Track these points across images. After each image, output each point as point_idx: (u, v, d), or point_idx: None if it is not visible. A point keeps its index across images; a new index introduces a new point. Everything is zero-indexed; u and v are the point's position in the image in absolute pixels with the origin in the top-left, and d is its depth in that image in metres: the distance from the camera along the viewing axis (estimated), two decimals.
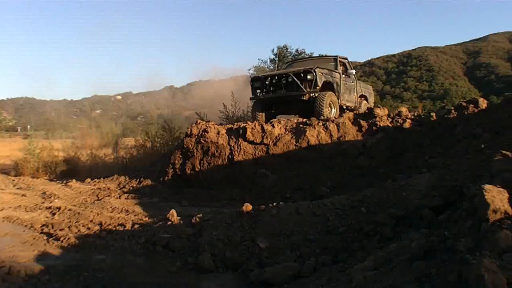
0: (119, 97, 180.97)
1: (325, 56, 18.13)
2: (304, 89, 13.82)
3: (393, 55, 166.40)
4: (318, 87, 13.85)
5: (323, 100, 13.64)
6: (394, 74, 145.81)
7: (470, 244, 3.58)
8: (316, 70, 13.92)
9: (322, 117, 13.33)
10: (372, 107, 17.39)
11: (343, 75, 16.34)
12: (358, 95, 17.81)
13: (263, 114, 15.18)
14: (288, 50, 32.55)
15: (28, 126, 68.58)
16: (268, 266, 5.59)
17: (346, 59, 17.57)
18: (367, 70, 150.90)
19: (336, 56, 16.97)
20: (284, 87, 14.41)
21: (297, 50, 32.24)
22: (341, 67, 16.71)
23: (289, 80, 14.12)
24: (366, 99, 18.90)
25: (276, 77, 14.65)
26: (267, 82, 14.83)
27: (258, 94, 14.98)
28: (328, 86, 14.85)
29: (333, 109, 14.42)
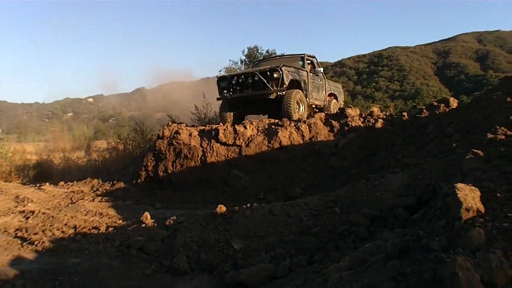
0: (90, 99, 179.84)
1: (293, 54, 17.88)
2: (271, 88, 13.68)
3: (364, 55, 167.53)
4: (285, 86, 13.76)
5: (290, 98, 13.62)
6: (365, 74, 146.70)
7: (444, 243, 3.61)
8: (283, 68, 13.82)
9: (290, 116, 13.36)
10: (342, 105, 17.59)
11: (311, 74, 16.35)
12: (327, 94, 17.80)
13: (231, 114, 15.05)
14: (259, 51, 32.47)
15: (0, 130, 67.87)
16: (243, 268, 5.59)
17: (314, 57, 17.58)
18: (338, 70, 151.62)
19: (303, 54, 16.96)
20: (250, 86, 14.32)
21: (267, 51, 32.16)
22: (309, 66, 16.73)
23: (256, 79, 13.99)
24: (336, 98, 18.90)
25: (243, 77, 14.54)
26: (233, 82, 14.74)
27: (225, 94, 14.86)
28: (296, 84, 14.80)
29: (301, 107, 14.48)
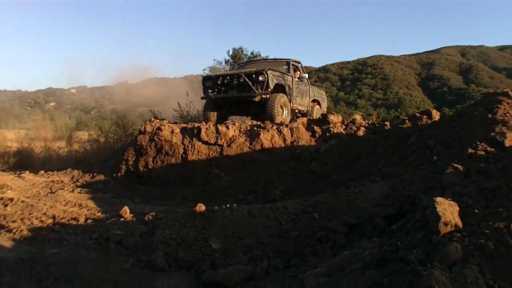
0: (73, 90, 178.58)
1: (278, 59, 17.92)
2: (256, 91, 13.81)
3: (348, 62, 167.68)
4: (269, 89, 13.87)
5: (274, 102, 13.71)
6: (349, 81, 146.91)
7: (421, 256, 3.67)
8: (268, 71, 13.91)
9: (273, 119, 13.44)
10: (325, 112, 17.59)
11: (296, 79, 16.43)
12: (311, 100, 17.85)
13: (215, 113, 15.10)
14: (244, 52, 32.47)
15: None
16: (221, 268, 5.60)
17: (299, 62, 17.69)
18: (321, 76, 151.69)
19: (289, 59, 17.01)
20: (235, 87, 14.38)
21: (252, 53, 32.16)
22: (294, 71, 16.83)
23: (241, 80, 14.07)
24: (319, 104, 18.98)
25: (228, 77, 14.58)
26: (218, 82, 14.73)
27: (210, 93, 14.90)
28: (280, 88, 14.85)
29: (284, 111, 14.55)
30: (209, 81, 14.91)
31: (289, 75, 15.91)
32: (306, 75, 17.38)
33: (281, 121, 13.63)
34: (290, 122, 13.39)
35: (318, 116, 16.07)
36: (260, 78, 13.79)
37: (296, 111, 16.35)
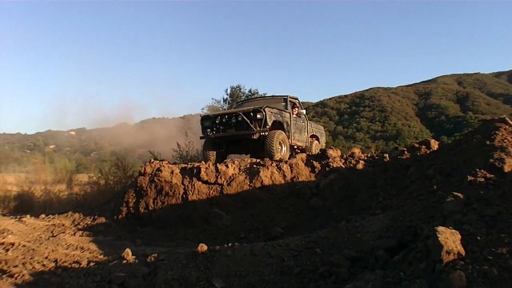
0: (72, 132, 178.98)
1: (276, 96, 18.01)
2: (254, 128, 13.79)
3: (346, 96, 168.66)
4: (267, 126, 13.84)
5: (273, 139, 13.67)
6: (347, 114, 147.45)
7: (425, 285, 3.65)
8: (266, 109, 13.97)
9: (272, 156, 13.44)
10: (324, 147, 17.68)
11: (293, 115, 16.44)
12: (309, 135, 17.87)
13: (214, 153, 15.11)
14: (242, 90, 32.61)
15: None
16: None
17: (297, 99, 17.72)
18: (319, 110, 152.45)
19: (286, 96, 17.01)
20: (234, 126, 14.41)
21: (250, 90, 32.31)
22: (292, 107, 16.90)
23: (239, 119, 14.09)
24: (318, 139, 18.97)
25: (226, 116, 14.62)
26: (217, 121, 14.77)
27: (208, 133, 14.95)
28: (278, 125, 14.88)
29: (283, 148, 14.52)
30: (208, 121, 15.01)
31: (287, 112, 15.90)
32: (304, 111, 17.29)
33: (280, 158, 13.60)
34: (289, 159, 13.39)
35: (317, 151, 16.11)
36: (258, 116, 13.83)
37: (295, 147, 16.38)
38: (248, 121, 13.88)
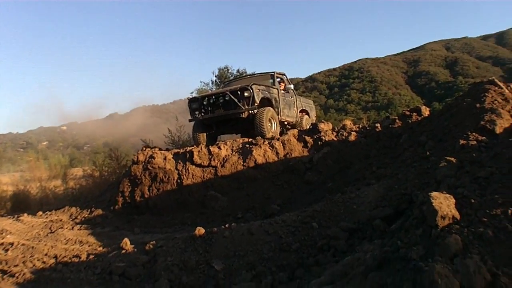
0: (64, 127, 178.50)
1: (263, 73, 17.72)
2: (242, 107, 13.64)
3: (334, 69, 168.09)
4: (256, 104, 13.69)
5: (263, 116, 13.59)
6: (337, 87, 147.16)
7: (422, 251, 3.65)
8: (253, 86, 13.79)
9: (263, 134, 13.36)
10: (314, 121, 17.54)
11: (282, 91, 16.35)
12: (299, 110, 17.73)
13: (204, 134, 14.88)
14: (230, 71, 32.36)
15: None
16: None
17: (284, 74, 17.63)
18: (309, 85, 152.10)
19: (273, 72, 16.89)
20: (222, 106, 14.18)
21: (238, 71, 31.93)
22: (279, 83, 16.83)
23: (227, 98, 13.90)
24: (308, 114, 18.84)
25: (214, 97, 14.40)
26: (204, 103, 14.52)
27: (197, 115, 14.76)
28: (267, 102, 14.77)
29: (273, 124, 14.41)
30: (195, 103, 14.81)
31: (274, 88, 15.80)
32: (292, 86, 17.24)
33: (271, 135, 13.58)
34: (281, 135, 13.36)
35: (308, 126, 16.05)
36: (246, 94, 13.69)
37: (285, 123, 16.29)
38: (236, 100, 13.73)
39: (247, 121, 13.96)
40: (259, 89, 14.22)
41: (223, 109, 14.16)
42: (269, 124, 13.95)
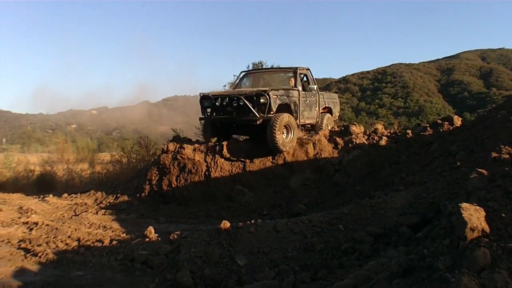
0: (94, 111, 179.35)
1: (285, 68, 16.32)
2: (257, 114, 12.34)
3: (368, 72, 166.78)
4: (272, 112, 12.44)
5: (276, 124, 12.09)
6: (369, 90, 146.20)
7: (449, 262, 3.62)
8: (270, 93, 12.39)
9: (275, 146, 12.20)
10: (337, 117, 16.87)
11: (303, 92, 14.48)
12: (322, 107, 16.13)
13: (213, 135, 14.19)
14: (263, 66, 32.07)
15: (4, 140, 67.71)
16: (247, 284, 5.60)
17: (308, 70, 15.53)
18: (342, 86, 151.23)
19: (296, 68, 14.84)
20: (235, 109, 12.88)
21: (272, 67, 31.72)
22: (302, 81, 15.12)
23: (241, 103, 12.56)
24: (331, 111, 17.13)
25: (227, 99, 13.03)
26: (217, 104, 13.20)
27: (208, 113, 13.65)
28: (285, 107, 13.32)
29: (289, 133, 12.89)
30: (207, 101, 13.66)
31: (295, 90, 14.04)
32: (315, 87, 15.31)
33: (287, 148, 12.53)
34: (304, 136, 13.22)
35: (329, 126, 15.71)
36: (262, 101, 12.38)
37: (306, 125, 15.14)
38: (250, 106, 12.40)
39: (262, 127, 12.67)
40: (276, 96, 12.90)
41: (236, 113, 12.98)
42: (284, 133, 12.77)
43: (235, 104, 12.85)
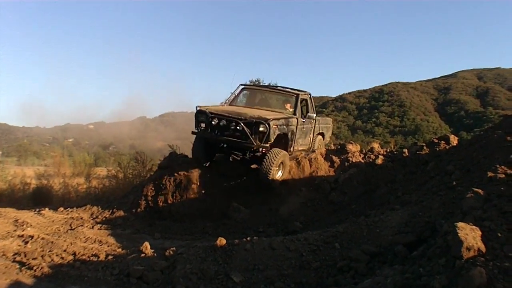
0: (91, 126, 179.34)
1: (287, 90, 15.05)
2: (254, 142, 11.73)
3: (365, 90, 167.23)
4: (269, 142, 11.93)
5: (274, 160, 11.81)
6: (366, 109, 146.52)
7: (445, 281, 3.64)
8: (271, 123, 11.73)
9: (267, 176, 11.76)
10: (328, 141, 16.53)
11: (301, 119, 13.74)
12: (316, 134, 15.38)
13: (204, 151, 13.32)
14: (261, 84, 32.04)
15: (0, 152, 67.67)
16: None
17: (309, 95, 14.94)
18: (338, 105, 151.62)
19: (298, 94, 14.16)
20: (232, 132, 12.09)
21: (269, 84, 31.69)
22: (301, 107, 14.41)
23: (238, 128, 11.89)
24: (323, 135, 16.43)
25: (224, 121, 12.22)
26: (213, 123, 12.33)
27: (202, 128, 12.76)
28: (282, 136, 12.74)
29: (281, 169, 12.46)
30: (203, 116, 12.74)
31: (294, 118, 13.29)
32: (314, 115, 14.65)
33: (276, 179, 12.11)
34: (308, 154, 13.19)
35: (320, 148, 15.09)
36: (261, 129, 11.76)
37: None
38: (248, 133, 11.76)
39: (255, 152, 12.66)
40: (276, 125, 12.21)
41: (232, 134, 12.18)
42: (278, 169, 12.34)
43: (232, 127, 12.18)
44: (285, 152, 12.49)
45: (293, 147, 13.33)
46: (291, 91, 14.79)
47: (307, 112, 14.52)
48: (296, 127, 13.39)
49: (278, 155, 11.97)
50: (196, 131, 13.12)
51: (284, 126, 12.76)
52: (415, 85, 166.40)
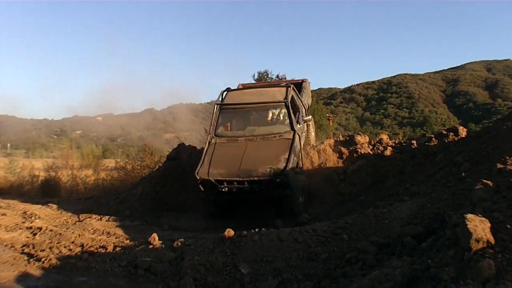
0: (99, 118, 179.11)
1: (272, 99, 12.48)
2: (274, 192, 10.26)
3: (373, 82, 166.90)
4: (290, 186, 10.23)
5: (298, 204, 10.63)
6: (374, 101, 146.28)
7: (453, 273, 3.61)
8: (289, 173, 10.30)
9: (300, 219, 10.22)
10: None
11: (299, 126, 11.99)
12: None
13: (217, 207, 11.34)
14: (269, 75, 31.90)
15: (8, 145, 67.73)
16: None
17: (293, 86, 13.03)
18: (347, 96, 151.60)
19: (285, 100, 12.04)
20: (248, 188, 10.44)
21: (277, 76, 31.57)
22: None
23: (254, 187, 10.40)
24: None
25: (235, 183, 10.54)
26: (223, 190, 10.51)
27: (211, 193, 10.89)
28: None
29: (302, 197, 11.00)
30: (209, 185, 10.75)
31: (296, 141, 11.34)
32: (310, 117, 13.32)
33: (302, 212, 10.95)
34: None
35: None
36: (278, 180, 10.22)
37: None
38: (267, 186, 10.27)
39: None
40: (292, 168, 10.65)
41: (250, 191, 10.60)
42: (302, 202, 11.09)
43: (246, 184, 10.57)
44: (304, 178, 11.44)
45: (302, 161, 11.94)
46: (277, 98, 12.48)
47: (300, 101, 13.53)
48: (300, 143, 11.99)
49: (299, 196, 10.86)
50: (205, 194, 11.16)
51: (295, 158, 11.20)
52: (424, 76, 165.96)
